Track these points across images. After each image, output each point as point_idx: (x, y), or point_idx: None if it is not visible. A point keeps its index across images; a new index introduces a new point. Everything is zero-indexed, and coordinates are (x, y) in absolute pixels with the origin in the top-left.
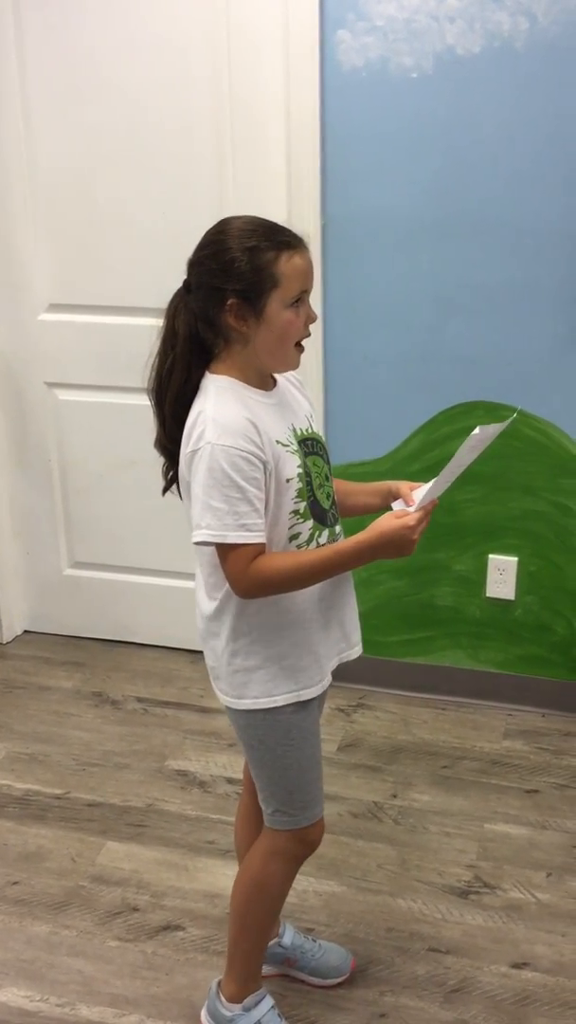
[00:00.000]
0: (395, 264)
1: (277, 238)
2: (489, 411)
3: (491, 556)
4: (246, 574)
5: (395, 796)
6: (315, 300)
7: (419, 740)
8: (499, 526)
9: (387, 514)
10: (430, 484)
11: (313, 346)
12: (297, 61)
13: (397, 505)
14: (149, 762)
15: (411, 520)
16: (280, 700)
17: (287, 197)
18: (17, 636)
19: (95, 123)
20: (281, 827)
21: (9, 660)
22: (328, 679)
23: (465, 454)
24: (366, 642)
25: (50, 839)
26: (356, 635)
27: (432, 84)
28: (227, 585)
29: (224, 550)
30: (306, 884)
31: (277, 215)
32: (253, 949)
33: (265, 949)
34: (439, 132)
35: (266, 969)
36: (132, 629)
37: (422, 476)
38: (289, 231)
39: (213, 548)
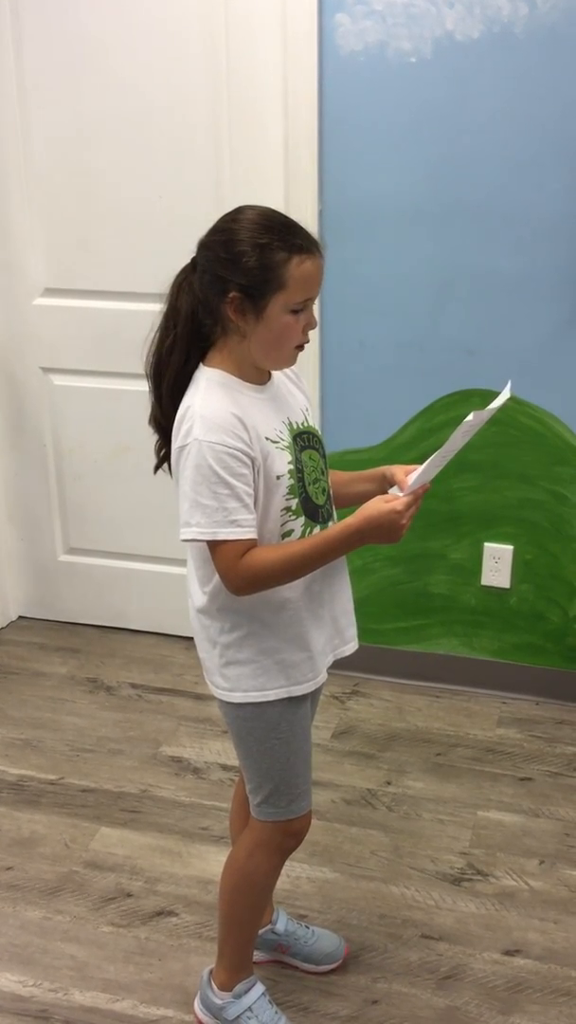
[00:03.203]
0: (393, 250)
1: (291, 239)
2: (485, 399)
3: (487, 544)
4: (236, 570)
5: (389, 783)
6: None
7: (413, 727)
8: (495, 514)
9: (375, 498)
10: (423, 467)
11: (310, 333)
12: (295, 44)
13: (393, 491)
14: (143, 748)
15: (399, 504)
16: (271, 695)
17: (284, 182)
18: (12, 622)
19: (91, 107)
20: (267, 819)
21: (4, 646)
22: (323, 676)
23: (459, 439)
24: (361, 630)
25: (44, 824)
26: (351, 630)
27: (431, 69)
28: (217, 578)
29: (214, 547)
30: (299, 871)
31: (274, 200)
32: (243, 939)
33: (255, 938)
34: (438, 117)
35: (259, 955)
36: (127, 615)
37: (419, 463)
38: (305, 233)
39: (203, 543)
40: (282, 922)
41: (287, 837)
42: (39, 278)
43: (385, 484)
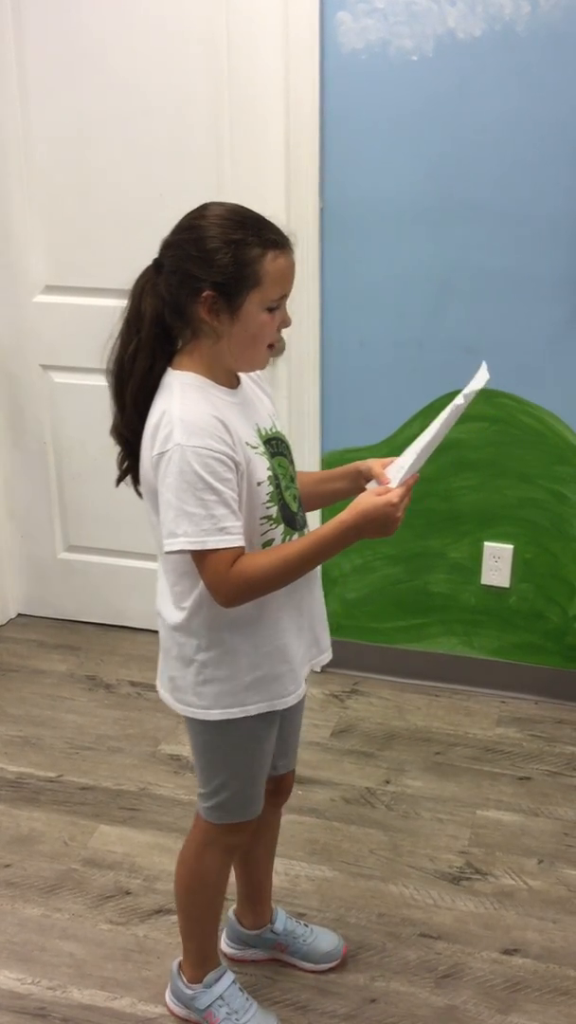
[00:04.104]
0: (393, 248)
1: (265, 235)
2: (487, 398)
3: (487, 543)
4: (228, 579)
5: (388, 782)
6: (312, 285)
7: (412, 726)
8: (495, 514)
9: (367, 492)
10: (406, 458)
11: (310, 331)
12: (297, 42)
13: (371, 486)
14: (142, 746)
15: (394, 497)
16: (252, 710)
17: (285, 180)
18: (11, 619)
19: (92, 105)
20: (218, 821)
21: (3, 643)
22: (303, 688)
23: (446, 424)
24: (361, 628)
25: (43, 822)
26: (326, 639)
27: (433, 67)
28: (196, 593)
29: (202, 557)
30: (298, 869)
31: (276, 198)
32: (204, 934)
33: (217, 931)
34: (439, 116)
35: (257, 954)
36: (126, 613)
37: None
38: (277, 228)
39: (179, 555)
40: (280, 921)
41: (236, 836)
42: (39, 276)
43: (360, 480)
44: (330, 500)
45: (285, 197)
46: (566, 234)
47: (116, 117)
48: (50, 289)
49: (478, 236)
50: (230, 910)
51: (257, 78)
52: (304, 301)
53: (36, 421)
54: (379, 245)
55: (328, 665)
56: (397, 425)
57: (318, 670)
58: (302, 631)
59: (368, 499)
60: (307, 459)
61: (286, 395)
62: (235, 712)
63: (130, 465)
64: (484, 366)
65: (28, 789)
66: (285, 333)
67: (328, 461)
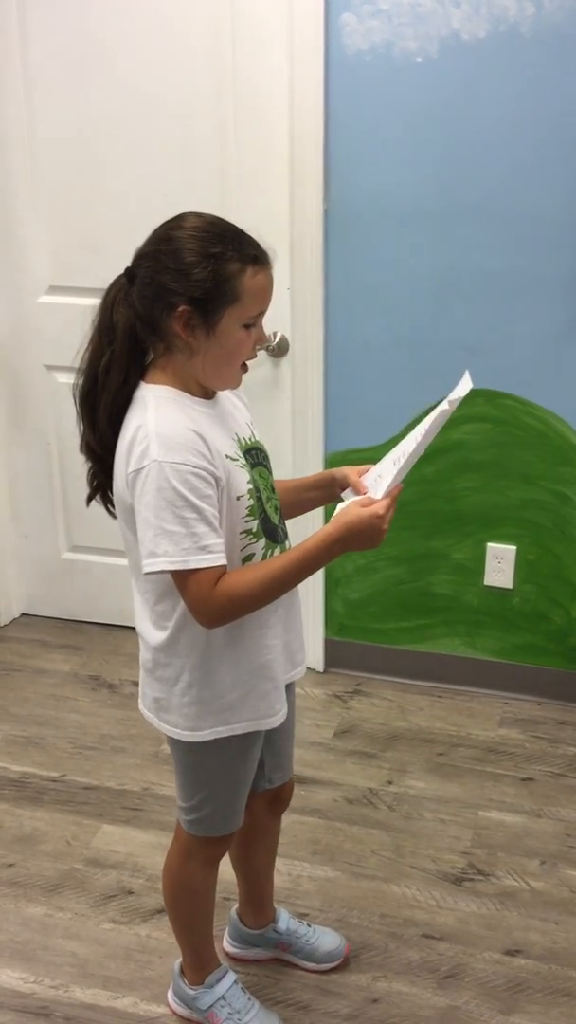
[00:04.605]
0: (397, 250)
1: (245, 250)
2: (489, 399)
3: (490, 544)
4: (211, 599)
5: (390, 783)
6: (316, 285)
7: (415, 727)
8: (498, 515)
9: (351, 503)
10: (383, 466)
11: (314, 331)
12: (301, 44)
13: (347, 495)
14: (145, 746)
15: (380, 508)
16: (239, 728)
17: (290, 180)
18: (14, 619)
19: (97, 105)
20: (199, 834)
21: (6, 643)
22: (285, 708)
23: (431, 432)
24: (363, 629)
25: (46, 822)
26: (301, 654)
27: (437, 69)
28: (179, 612)
29: (184, 577)
30: (300, 869)
31: (279, 199)
32: (198, 940)
33: (211, 935)
34: (443, 117)
35: (260, 953)
36: (129, 613)
37: (424, 463)
38: (256, 243)
39: (159, 575)
40: (283, 920)
41: (217, 848)
42: (43, 276)
43: (335, 489)
44: (305, 508)
45: (289, 198)
46: (570, 235)
47: (120, 118)
48: (54, 289)
49: (482, 237)
50: (232, 909)
51: (262, 79)
52: (308, 301)
53: (39, 421)
54: (383, 246)
55: (331, 665)
56: (400, 425)
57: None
58: (283, 647)
59: (354, 511)
60: (311, 460)
61: (289, 396)
62: (222, 732)
63: (100, 483)
64: (467, 375)
65: (31, 789)
66: (289, 333)
67: (331, 461)
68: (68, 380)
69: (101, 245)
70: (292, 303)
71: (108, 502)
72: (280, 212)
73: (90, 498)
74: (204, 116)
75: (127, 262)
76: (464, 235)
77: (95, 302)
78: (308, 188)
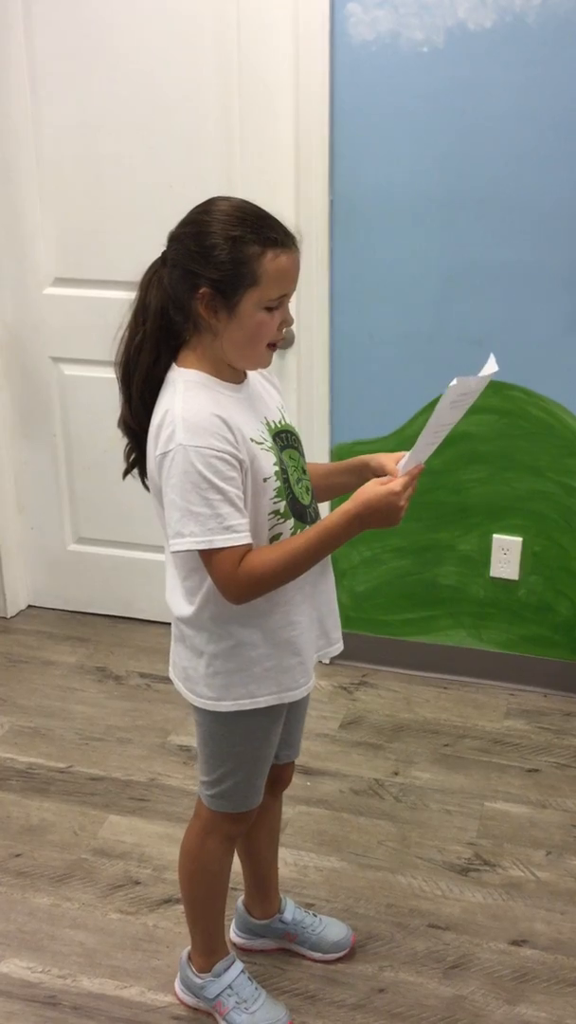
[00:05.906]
0: (403, 241)
1: (265, 232)
2: (496, 390)
3: (495, 536)
4: (236, 577)
5: (396, 773)
6: (321, 277)
7: (421, 718)
8: (504, 506)
9: (371, 481)
10: (414, 450)
11: (319, 323)
12: (307, 34)
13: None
14: (152, 737)
15: (396, 486)
16: (262, 702)
17: (295, 171)
18: (21, 610)
19: (102, 96)
20: (220, 810)
21: (13, 634)
22: (313, 680)
23: (446, 412)
24: (370, 621)
25: (53, 812)
26: (337, 632)
27: (443, 59)
28: (205, 588)
29: (210, 555)
30: (307, 859)
31: (285, 190)
32: (210, 923)
33: (223, 920)
34: (449, 108)
35: (267, 943)
36: (136, 605)
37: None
38: (281, 226)
39: (185, 553)
40: (290, 910)
41: (237, 825)
42: (49, 267)
43: (367, 474)
44: (336, 493)
45: (295, 189)
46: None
47: (126, 109)
48: (60, 281)
49: (488, 228)
50: (239, 900)
51: (267, 69)
52: (313, 293)
53: (46, 413)
54: (389, 237)
55: (337, 657)
56: (406, 417)
57: (326, 661)
58: (312, 622)
59: (371, 489)
60: (316, 452)
61: (295, 388)
62: (245, 704)
63: (137, 458)
64: (492, 358)
65: (38, 779)
66: (295, 325)
67: (337, 453)
68: (74, 372)
69: (106, 237)
70: (298, 295)
71: (143, 477)
72: (285, 203)
73: (126, 472)
74: (210, 107)
75: (132, 254)
76: (471, 226)
77: (101, 294)
78: (313, 179)
